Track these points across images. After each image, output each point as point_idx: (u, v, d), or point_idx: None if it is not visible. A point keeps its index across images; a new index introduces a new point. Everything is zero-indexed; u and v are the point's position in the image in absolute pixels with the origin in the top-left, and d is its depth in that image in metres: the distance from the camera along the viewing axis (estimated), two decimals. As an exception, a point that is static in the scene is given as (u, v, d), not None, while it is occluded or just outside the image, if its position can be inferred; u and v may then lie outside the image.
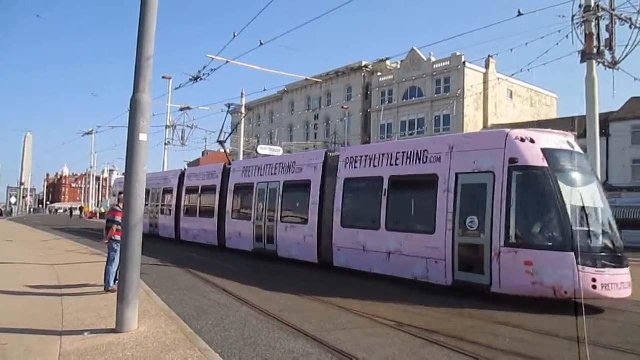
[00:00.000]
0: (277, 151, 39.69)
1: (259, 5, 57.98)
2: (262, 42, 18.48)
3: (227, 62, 21.59)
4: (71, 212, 70.79)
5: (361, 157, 13.87)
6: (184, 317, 8.02)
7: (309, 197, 15.24)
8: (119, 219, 9.69)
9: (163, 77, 38.18)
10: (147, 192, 22.74)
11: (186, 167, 28.62)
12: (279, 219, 16.56)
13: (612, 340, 7.27)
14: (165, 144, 39.63)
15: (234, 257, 17.65)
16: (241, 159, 34.12)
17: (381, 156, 13.21)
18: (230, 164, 20.63)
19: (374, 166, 13.33)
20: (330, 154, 15.59)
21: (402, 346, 6.81)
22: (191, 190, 22.77)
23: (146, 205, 23.73)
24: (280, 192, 16.55)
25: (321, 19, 34.80)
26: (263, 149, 38.44)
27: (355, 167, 13.91)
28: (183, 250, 20.35)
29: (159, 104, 39.82)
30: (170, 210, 23.65)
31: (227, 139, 25.02)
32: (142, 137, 7.05)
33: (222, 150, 24.83)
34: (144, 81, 7.09)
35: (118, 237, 9.41)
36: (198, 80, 23.25)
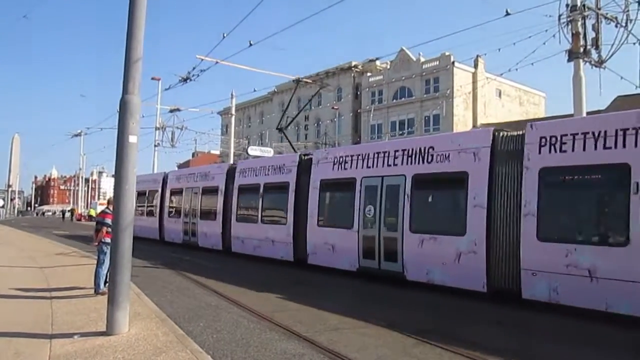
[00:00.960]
0: (268, 152, 39.72)
1: (248, 6, 57.99)
2: (251, 42, 18.45)
3: (217, 62, 21.51)
4: (63, 215, 69.73)
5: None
6: (175, 318, 7.99)
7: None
8: (108, 221, 9.64)
9: (152, 78, 38.07)
10: (179, 191, 22.67)
11: (177, 168, 28.34)
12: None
13: None
14: (155, 146, 39.46)
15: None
16: (231, 160, 34.03)
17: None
18: (307, 155, 16.21)
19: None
20: None
21: (394, 345, 6.82)
22: (249, 189, 18.25)
23: (177, 208, 23.05)
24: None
25: (311, 19, 34.77)
26: (253, 150, 38.47)
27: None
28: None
29: (148, 105, 39.67)
30: (215, 214, 19.81)
31: (288, 125, 23.97)
32: (132, 138, 7.01)
33: (283, 141, 25.92)
34: (133, 82, 7.05)
35: (108, 240, 9.35)
36: (188, 81, 23.13)
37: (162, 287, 11.41)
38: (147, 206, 25.78)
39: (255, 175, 17.54)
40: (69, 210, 70.60)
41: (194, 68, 22.44)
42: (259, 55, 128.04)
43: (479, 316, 8.94)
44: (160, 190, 24.73)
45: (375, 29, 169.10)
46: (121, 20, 7.16)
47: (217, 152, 77.71)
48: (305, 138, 58.41)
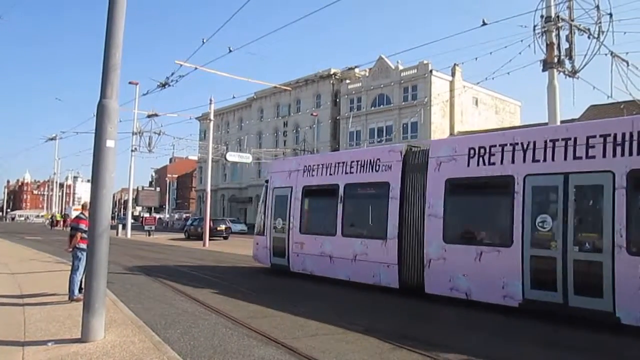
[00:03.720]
0: (247, 158, 39.66)
1: (228, 12, 57.83)
2: (231, 49, 18.43)
3: (196, 68, 21.43)
4: (52, 222, 62.37)
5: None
6: (152, 325, 7.90)
7: None
8: (83, 226, 9.55)
9: (130, 83, 37.63)
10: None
11: (153, 173, 27.97)
12: None
13: None
14: (132, 151, 39.02)
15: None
16: (209, 165, 33.83)
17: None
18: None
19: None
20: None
21: (371, 351, 6.86)
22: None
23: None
24: None
25: (291, 26, 34.81)
26: (232, 156, 38.37)
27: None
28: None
29: (125, 109, 39.19)
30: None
31: None
32: (110, 143, 6.95)
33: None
34: (111, 87, 7.00)
35: (83, 245, 9.25)
36: (166, 86, 22.97)
37: (139, 293, 11.28)
38: None
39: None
40: (51, 217, 65.87)
41: (172, 73, 22.33)
42: (238, 62, 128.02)
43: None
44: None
45: (354, 37, 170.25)
46: (99, 24, 7.10)
47: (195, 158, 77.25)
48: (284, 144, 58.36)
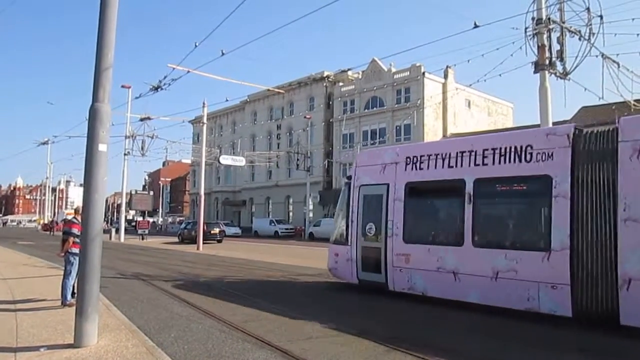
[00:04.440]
0: (240, 161, 39.63)
1: (221, 15, 57.80)
2: (223, 52, 18.40)
3: (189, 71, 21.41)
4: (51, 226, 59.76)
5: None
6: (146, 330, 7.86)
7: None
8: (75, 231, 9.49)
9: (122, 86, 37.57)
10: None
11: (146, 177, 27.83)
12: None
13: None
14: (125, 154, 38.89)
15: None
16: (203, 168, 33.77)
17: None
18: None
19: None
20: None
21: (366, 353, 6.85)
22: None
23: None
24: None
25: (284, 29, 34.77)
26: (225, 159, 38.33)
27: None
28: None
29: (118, 113, 39.09)
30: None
31: None
32: (102, 147, 6.92)
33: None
34: (103, 90, 6.97)
35: (75, 250, 9.18)
36: (159, 89, 22.90)
37: (132, 297, 11.22)
38: None
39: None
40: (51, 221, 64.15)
41: (165, 77, 22.26)
42: (231, 65, 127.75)
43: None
44: None
45: (348, 39, 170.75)
46: (91, 27, 7.07)
47: (189, 161, 77.05)
48: (278, 147, 58.32)
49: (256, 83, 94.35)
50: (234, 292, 12.14)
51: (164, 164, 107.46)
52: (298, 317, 9.15)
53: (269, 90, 41.54)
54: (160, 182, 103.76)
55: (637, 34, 16.24)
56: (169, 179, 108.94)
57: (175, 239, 39.62)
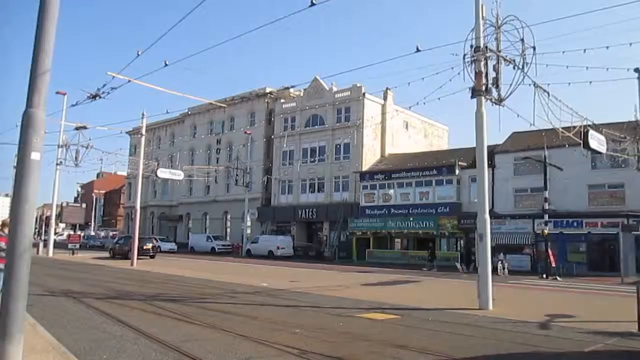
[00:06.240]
0: (178, 175, 38.69)
1: (165, 25, 56.77)
2: (166, 62, 17.94)
3: (129, 81, 20.65)
4: None
5: None
6: (76, 351, 7.40)
7: None
8: (2, 244, 8.86)
9: (57, 93, 35.89)
10: None
11: (79, 189, 26.67)
12: None
13: None
14: (57, 164, 37.11)
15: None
16: (139, 181, 32.73)
17: None
18: None
19: None
20: None
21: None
22: None
23: None
24: None
25: (227, 44, 34.43)
26: (163, 172, 37.27)
27: None
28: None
29: (51, 120, 37.27)
30: None
31: None
32: (35, 155, 6.50)
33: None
34: (38, 95, 6.56)
35: (0, 265, 8.56)
36: (97, 98, 21.93)
37: (61, 317, 10.59)
38: None
39: None
40: None
41: (104, 85, 21.37)
42: (173, 77, 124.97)
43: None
44: None
45: (291, 56, 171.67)
46: (27, 26, 6.66)
47: (125, 174, 74.55)
48: (217, 162, 57.45)
49: (197, 96, 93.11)
50: (170, 310, 11.72)
51: (98, 176, 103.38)
52: (238, 335, 8.91)
53: (210, 103, 41.01)
54: (93, 194, 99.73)
55: (567, 66, 17.25)
56: (103, 192, 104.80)
57: (107, 254, 38.08)
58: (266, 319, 11.14)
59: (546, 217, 28.63)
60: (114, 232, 70.11)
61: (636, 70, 24.26)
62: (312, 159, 49.46)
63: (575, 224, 32.26)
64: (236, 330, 9.39)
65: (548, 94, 16.74)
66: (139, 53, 16.89)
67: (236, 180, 48.90)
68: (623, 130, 24.73)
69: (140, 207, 35.97)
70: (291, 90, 49.57)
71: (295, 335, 9.31)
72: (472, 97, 16.41)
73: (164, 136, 68.21)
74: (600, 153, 21.71)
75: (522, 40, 15.96)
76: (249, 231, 48.01)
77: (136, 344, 8.16)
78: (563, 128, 18.62)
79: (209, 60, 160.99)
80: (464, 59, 16.12)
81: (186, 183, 56.66)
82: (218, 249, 48.74)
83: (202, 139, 59.89)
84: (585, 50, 16.08)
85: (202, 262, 34.03)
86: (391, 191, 42.20)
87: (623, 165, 28.64)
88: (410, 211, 40.49)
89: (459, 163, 38.19)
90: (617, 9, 15.42)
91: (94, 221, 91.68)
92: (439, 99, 18.86)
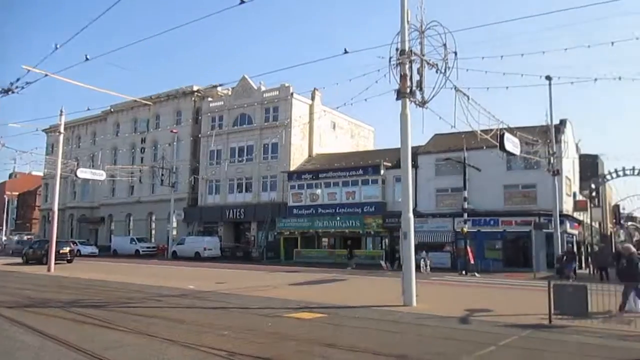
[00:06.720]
0: (100, 175, 37.17)
1: (86, 18, 54.20)
2: (87, 57, 17.25)
3: (46, 75, 19.69)
4: None
5: None
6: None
7: None
8: None
9: (-37, 87, 33.49)
10: None
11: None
12: None
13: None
14: (-37, 164, 34.65)
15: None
16: (57, 182, 31.20)
17: None
18: None
19: None
20: None
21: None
22: None
23: None
24: None
25: (153, 39, 33.30)
26: (83, 173, 35.68)
27: None
28: None
29: (-46, 117, 34.80)
30: None
31: None
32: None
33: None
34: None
35: None
36: (10, 93, 20.72)
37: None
38: None
39: None
40: None
41: (18, 79, 20.22)
42: (95, 73, 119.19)
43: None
44: None
45: (219, 54, 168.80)
46: None
47: (41, 174, 70.68)
48: (141, 161, 55.71)
49: (121, 93, 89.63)
50: (91, 317, 11.34)
51: (11, 176, 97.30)
52: (165, 340, 8.80)
53: (135, 100, 39.74)
54: (5, 195, 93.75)
55: (485, 72, 18.16)
56: (17, 193, 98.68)
57: (20, 260, 35.99)
58: (193, 322, 11.04)
59: (465, 215, 30.00)
60: (29, 236, 66.19)
61: (547, 77, 26.01)
62: (240, 159, 49.11)
63: (492, 222, 34.01)
64: (162, 334, 9.24)
65: (468, 97, 17.52)
66: (58, 46, 16.18)
67: (162, 180, 47.67)
68: (535, 133, 26.46)
69: (59, 209, 34.37)
70: (219, 88, 49.01)
71: (223, 337, 9.31)
72: (397, 99, 16.86)
73: (84, 135, 65.29)
74: (514, 155, 23.11)
75: (445, 45, 16.59)
76: (175, 232, 47.01)
77: (54, 354, 7.86)
78: (481, 131, 19.55)
79: (134, 57, 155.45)
80: (389, 61, 16.50)
81: (108, 183, 54.54)
82: (142, 251, 47.37)
83: (126, 138, 57.82)
84: (502, 57, 16.92)
85: (126, 265, 32.98)
86: (318, 191, 42.65)
87: (535, 167, 30.60)
88: (337, 211, 41.11)
89: (384, 163, 39.20)
90: (535, 18, 16.38)
91: (6, 225, 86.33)
92: (365, 100, 19.21)
